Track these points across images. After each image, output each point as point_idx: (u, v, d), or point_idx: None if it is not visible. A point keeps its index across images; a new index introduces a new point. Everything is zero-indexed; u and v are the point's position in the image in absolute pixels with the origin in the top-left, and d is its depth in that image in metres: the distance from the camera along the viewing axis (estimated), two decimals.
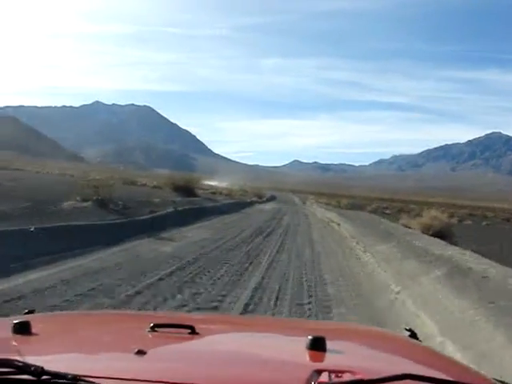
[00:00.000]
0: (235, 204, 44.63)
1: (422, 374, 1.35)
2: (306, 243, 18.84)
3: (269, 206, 55.69)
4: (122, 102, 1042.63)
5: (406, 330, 2.49)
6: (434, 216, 16.98)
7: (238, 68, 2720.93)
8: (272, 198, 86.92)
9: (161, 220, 21.02)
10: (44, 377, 1.33)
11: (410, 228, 20.39)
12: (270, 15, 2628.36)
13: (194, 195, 38.73)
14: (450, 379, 1.45)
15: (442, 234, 16.53)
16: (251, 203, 56.15)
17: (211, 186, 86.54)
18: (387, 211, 59.28)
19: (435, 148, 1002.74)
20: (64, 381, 1.32)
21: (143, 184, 50.03)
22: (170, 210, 24.26)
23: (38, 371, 1.32)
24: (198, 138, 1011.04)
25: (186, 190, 38.68)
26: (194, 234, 19.55)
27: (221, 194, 59.97)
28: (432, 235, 16.31)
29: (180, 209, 25.43)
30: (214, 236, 19.19)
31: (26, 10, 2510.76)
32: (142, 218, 19.92)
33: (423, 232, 16.92)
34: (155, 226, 19.03)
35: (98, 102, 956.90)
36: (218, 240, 17.81)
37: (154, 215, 21.41)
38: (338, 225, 27.10)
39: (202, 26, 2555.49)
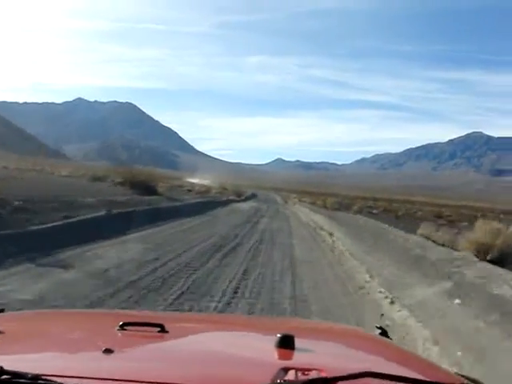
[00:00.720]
0: (206, 203, 38.08)
1: (384, 372, 1.33)
2: (285, 269, 12.24)
3: (246, 206, 48.78)
4: (105, 99, 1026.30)
5: (377, 327, 2.48)
6: (497, 229, 10.24)
7: (222, 65, 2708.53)
8: (252, 197, 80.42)
9: (78, 229, 14.36)
10: (3, 376, 1.28)
11: (431, 241, 14.03)
12: (254, 13, 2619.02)
13: (155, 193, 32.47)
14: (414, 377, 1.42)
15: (505, 257, 10.03)
16: (226, 202, 49.40)
17: (192, 183, 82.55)
18: (374, 211, 52.37)
19: (417, 147, 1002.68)
20: (24, 380, 1.28)
21: (112, 180, 42.14)
22: (102, 213, 17.69)
23: None
24: (181, 135, 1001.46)
25: (144, 187, 32.35)
26: (117, 252, 12.80)
27: (197, 191, 53.84)
28: (490, 261, 9.75)
29: (116, 212, 18.75)
30: (145, 256, 12.49)
31: (7, 5, 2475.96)
32: (43, 226, 13.21)
33: (477, 256, 10.19)
34: (61, 240, 12.46)
35: (80, 98, 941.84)
36: (148, 264, 11.25)
37: (71, 221, 14.78)
38: (331, 234, 20.52)
39: (185, 23, 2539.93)
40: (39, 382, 1.27)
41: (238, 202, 57.24)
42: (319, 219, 30.11)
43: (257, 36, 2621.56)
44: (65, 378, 1.30)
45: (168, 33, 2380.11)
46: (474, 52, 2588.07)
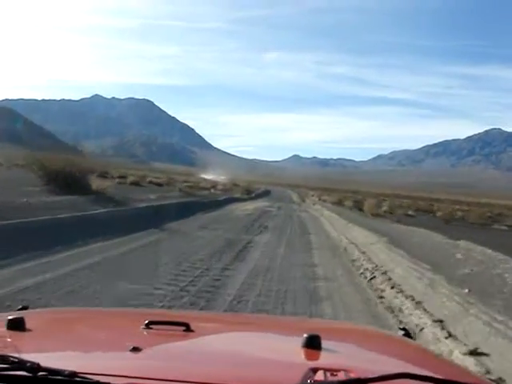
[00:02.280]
0: (186, 205, 26.49)
1: (418, 373, 1.34)
2: None
3: (251, 207, 37.02)
4: (122, 96, 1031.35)
5: (401, 329, 2.53)
6: None
7: (239, 62, 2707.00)
8: (263, 194, 71.01)
9: None
10: (40, 373, 1.30)
11: None
12: (271, 8, 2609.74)
13: (85, 190, 20.56)
14: (446, 378, 1.44)
15: None
16: (223, 202, 36.68)
17: (204, 179, 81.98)
18: (409, 212, 44.64)
19: (435, 144, 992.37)
20: (60, 377, 1.29)
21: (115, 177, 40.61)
22: None
23: (34, 367, 1.30)
24: (198, 131, 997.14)
25: (65, 180, 20.95)
26: None
27: (192, 187, 45.99)
28: None
29: None
30: None
31: (26, 3, 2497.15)
32: None
33: None
34: None
35: (97, 95, 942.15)
36: None
37: None
38: (474, 355, 5.72)
39: (202, 20, 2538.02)
40: (76, 379, 1.28)
41: (244, 200, 46.47)
42: (366, 239, 16.62)
43: (274, 32, 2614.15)
44: (98, 376, 1.30)
45: (186, 29, 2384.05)
46: (493, 47, 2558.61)
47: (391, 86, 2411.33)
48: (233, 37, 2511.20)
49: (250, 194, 60.17)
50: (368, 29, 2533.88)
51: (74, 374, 1.28)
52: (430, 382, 1.32)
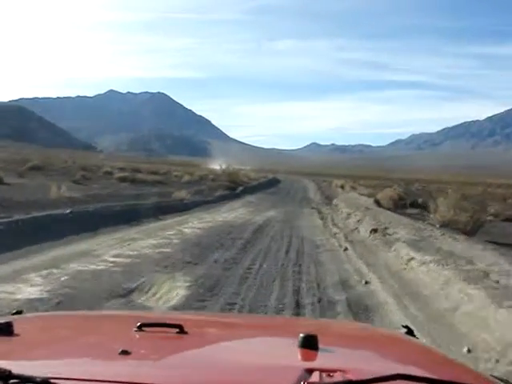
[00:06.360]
0: None
1: (414, 374, 1.31)
2: None
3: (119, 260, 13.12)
4: (137, 90, 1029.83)
5: (403, 326, 2.44)
6: None
7: (253, 51, 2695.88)
8: (264, 186, 49.16)
9: None
10: (12, 381, 1.26)
11: None
12: None
13: None
14: (445, 379, 1.40)
15: None
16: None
17: (210, 169, 74.94)
18: None
19: (454, 126, 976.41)
20: None
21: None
22: None
23: (6, 375, 1.26)
24: (214, 123, 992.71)
25: None
26: None
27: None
28: None
29: None
30: None
31: (37, 2, 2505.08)
32: None
33: None
34: None
35: (112, 90, 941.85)
36: None
37: None
38: None
39: (213, 11, 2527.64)
40: None
41: (183, 211, 20.99)
42: None
43: (288, 20, 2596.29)
44: (77, 381, 1.27)
45: (198, 21, 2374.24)
46: (509, 25, 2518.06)
47: (407, 69, 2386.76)
48: (246, 27, 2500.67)
49: (234, 190, 37.13)
50: (382, 12, 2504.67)
51: (46, 381, 1.23)
52: (426, 382, 1.29)
